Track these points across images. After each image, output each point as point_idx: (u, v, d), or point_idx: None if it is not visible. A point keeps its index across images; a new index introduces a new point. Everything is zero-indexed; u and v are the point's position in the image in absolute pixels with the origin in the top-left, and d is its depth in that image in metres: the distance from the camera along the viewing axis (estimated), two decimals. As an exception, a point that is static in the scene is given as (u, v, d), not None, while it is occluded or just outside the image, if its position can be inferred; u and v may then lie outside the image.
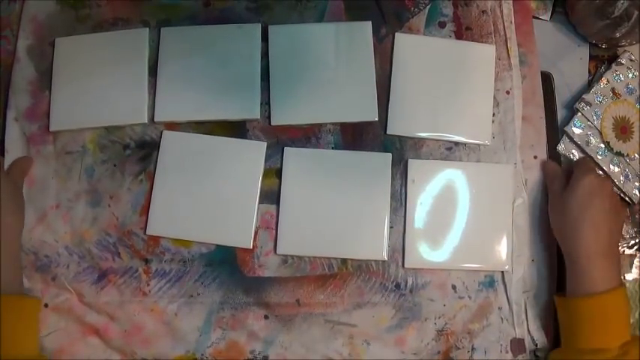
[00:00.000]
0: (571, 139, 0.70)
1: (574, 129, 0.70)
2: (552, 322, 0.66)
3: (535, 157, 0.69)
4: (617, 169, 0.70)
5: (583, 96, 0.70)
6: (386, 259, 0.67)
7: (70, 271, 0.67)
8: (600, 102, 0.70)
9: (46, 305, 0.65)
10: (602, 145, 0.70)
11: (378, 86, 0.69)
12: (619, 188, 0.70)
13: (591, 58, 0.73)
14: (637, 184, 0.70)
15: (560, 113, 0.72)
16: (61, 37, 0.71)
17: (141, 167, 0.69)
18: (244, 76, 0.69)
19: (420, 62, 0.70)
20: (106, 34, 0.71)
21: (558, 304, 0.63)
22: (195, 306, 0.66)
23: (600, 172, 0.70)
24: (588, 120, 0.70)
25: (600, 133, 0.70)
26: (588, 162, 0.68)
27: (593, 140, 0.70)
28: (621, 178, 0.70)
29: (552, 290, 0.67)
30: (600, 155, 0.70)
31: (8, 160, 0.68)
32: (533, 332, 0.67)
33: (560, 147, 0.70)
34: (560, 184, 0.66)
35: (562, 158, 0.71)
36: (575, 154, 0.71)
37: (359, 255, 0.67)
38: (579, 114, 0.70)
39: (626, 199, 0.71)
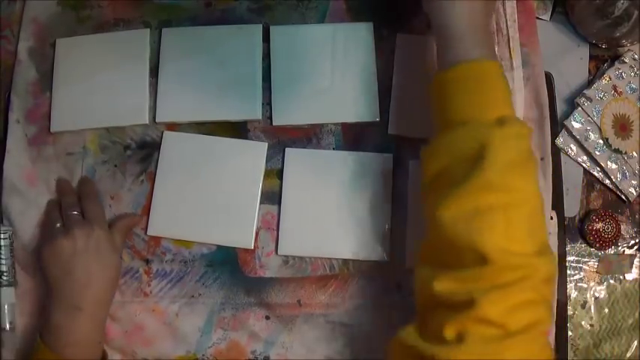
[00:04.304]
0: (570, 132, 0.70)
1: (573, 123, 0.70)
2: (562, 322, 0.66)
3: (542, 159, 0.67)
4: (614, 166, 0.70)
5: (584, 91, 0.70)
6: (387, 259, 0.66)
7: (71, 272, 0.67)
8: (601, 98, 0.70)
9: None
10: (601, 141, 0.70)
11: (380, 86, 0.69)
12: (615, 186, 0.70)
13: (591, 58, 0.73)
14: (634, 182, 0.70)
15: (560, 108, 0.72)
16: (62, 38, 0.71)
17: (142, 168, 0.69)
18: (245, 76, 0.69)
19: (421, 62, 0.70)
20: (107, 35, 0.71)
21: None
22: (197, 306, 0.66)
23: None
24: (588, 115, 0.70)
25: (599, 129, 0.70)
26: None
27: (592, 135, 0.70)
28: (618, 175, 0.70)
29: (559, 293, 0.66)
30: (598, 151, 0.70)
31: (10, 160, 0.68)
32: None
33: (559, 141, 0.70)
34: None
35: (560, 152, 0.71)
36: (573, 149, 0.71)
37: (360, 256, 0.67)
38: (579, 108, 0.70)
39: (622, 197, 0.71)
